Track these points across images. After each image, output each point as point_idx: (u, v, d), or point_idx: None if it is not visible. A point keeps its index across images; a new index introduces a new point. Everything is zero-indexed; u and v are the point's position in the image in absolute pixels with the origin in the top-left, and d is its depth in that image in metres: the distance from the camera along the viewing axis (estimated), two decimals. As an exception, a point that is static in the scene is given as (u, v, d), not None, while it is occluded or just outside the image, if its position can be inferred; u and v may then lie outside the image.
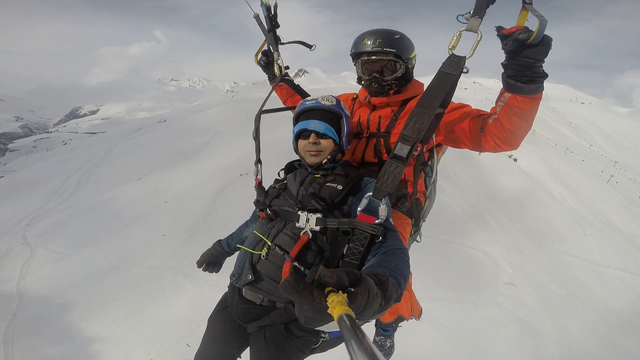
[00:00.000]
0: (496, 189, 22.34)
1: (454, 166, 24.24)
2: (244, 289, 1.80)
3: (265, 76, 2.84)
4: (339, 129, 1.96)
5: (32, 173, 35.32)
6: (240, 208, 15.36)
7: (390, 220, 1.59)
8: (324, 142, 1.91)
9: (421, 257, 13.05)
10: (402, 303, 2.36)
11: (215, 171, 18.91)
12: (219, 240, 2.45)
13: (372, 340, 2.60)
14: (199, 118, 38.31)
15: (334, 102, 1.98)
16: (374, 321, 2.48)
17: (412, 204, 2.17)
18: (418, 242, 2.52)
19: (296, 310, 0.80)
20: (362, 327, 2.00)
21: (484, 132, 1.84)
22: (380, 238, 1.49)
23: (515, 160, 28.42)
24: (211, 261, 2.43)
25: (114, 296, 11.22)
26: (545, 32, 1.39)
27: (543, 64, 1.49)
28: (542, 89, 1.56)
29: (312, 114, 1.94)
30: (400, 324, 2.68)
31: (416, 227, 2.30)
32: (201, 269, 2.45)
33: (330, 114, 1.95)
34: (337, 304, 0.69)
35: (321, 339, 1.84)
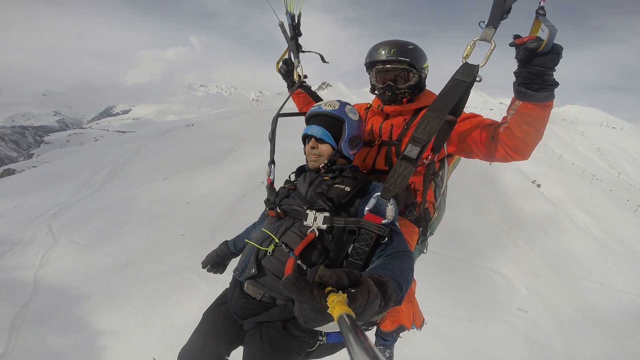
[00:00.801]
0: (517, 213, 21.96)
1: (476, 189, 24.12)
2: (245, 284, 1.79)
3: None
4: (340, 133, 1.98)
5: (64, 165, 36.52)
6: (259, 214, 15.20)
7: (397, 223, 1.59)
8: (322, 146, 1.94)
9: (436, 276, 13.03)
10: (404, 312, 2.35)
11: (238, 177, 19.09)
12: (226, 241, 2.46)
13: None
14: (225, 124, 39.13)
15: (336, 107, 2.00)
16: (374, 330, 2.51)
17: (420, 213, 2.17)
18: (424, 253, 2.50)
19: (295, 309, 0.80)
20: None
21: (495, 140, 1.84)
22: (386, 239, 1.49)
23: (538, 185, 27.82)
24: (216, 262, 2.44)
25: (128, 291, 11.24)
26: (557, 42, 1.42)
27: (554, 72, 1.51)
28: (553, 97, 1.57)
29: (314, 120, 1.99)
30: (401, 335, 2.64)
31: (424, 237, 2.30)
32: (206, 269, 2.46)
33: (330, 118, 1.97)
34: (337, 304, 0.69)
35: (318, 342, 1.81)
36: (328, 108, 1.98)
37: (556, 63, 1.47)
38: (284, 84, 2.85)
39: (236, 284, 1.87)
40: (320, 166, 1.95)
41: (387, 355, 2.78)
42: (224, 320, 1.89)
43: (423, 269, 12.90)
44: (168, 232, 14.50)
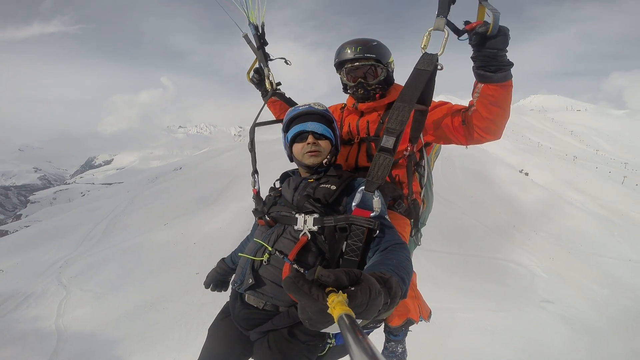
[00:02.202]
0: (514, 203, 22.41)
1: (470, 187, 24.58)
2: (246, 295, 1.78)
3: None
4: (333, 131, 2.02)
5: (59, 222, 36.26)
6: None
7: (387, 217, 1.64)
8: (322, 142, 1.95)
9: (454, 275, 13.26)
10: (409, 305, 2.33)
11: (240, 212, 19.36)
12: (223, 259, 2.43)
13: (383, 347, 2.74)
14: (213, 164, 38.99)
15: (325, 108, 2.04)
16: (382, 327, 2.45)
17: (409, 205, 2.18)
18: (419, 245, 2.50)
19: (299, 312, 0.80)
20: (372, 334, 2.25)
21: (467, 124, 1.93)
22: (378, 233, 1.51)
23: (526, 174, 28.55)
24: (218, 280, 2.42)
25: (155, 332, 11.45)
26: (503, 24, 1.54)
27: (506, 53, 1.61)
28: (510, 76, 1.65)
29: (307, 118, 1.97)
30: (410, 328, 2.60)
31: (416, 228, 2.29)
32: (209, 289, 2.43)
33: (323, 117, 1.99)
34: (337, 304, 0.69)
35: (328, 345, 1.78)
36: (319, 108, 2.00)
37: (506, 44, 1.56)
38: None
39: (236, 295, 1.86)
40: (324, 162, 1.95)
41: (400, 350, 2.73)
42: (230, 333, 1.88)
43: (442, 269, 13.27)
44: (180, 273, 14.74)
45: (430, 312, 2.59)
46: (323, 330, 0.81)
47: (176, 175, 43.74)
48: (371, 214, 1.54)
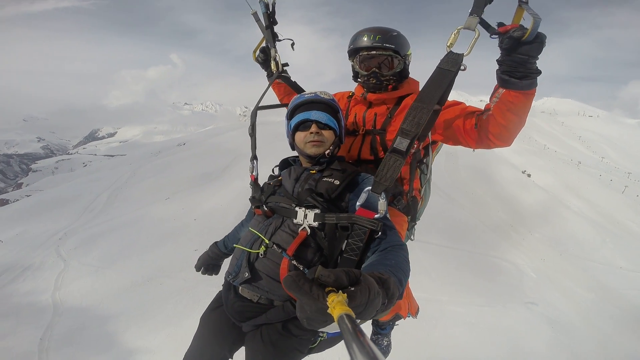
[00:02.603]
0: (514, 203, 22.59)
1: (471, 184, 24.81)
2: (240, 287, 1.73)
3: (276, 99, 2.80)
4: (338, 122, 1.95)
5: (60, 192, 36.27)
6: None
7: (388, 216, 1.58)
8: (325, 132, 1.87)
9: (449, 268, 13.57)
10: (400, 302, 2.30)
11: (242, 191, 19.27)
12: (216, 242, 2.38)
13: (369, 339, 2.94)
14: (217, 141, 39.20)
15: (329, 96, 1.96)
16: (370, 320, 2.40)
17: (408, 202, 2.14)
18: (412, 240, 2.44)
19: (297, 311, 0.79)
20: (361, 326, 2.22)
21: (479, 128, 1.84)
22: (380, 234, 1.47)
23: (529, 175, 28.60)
24: (209, 264, 2.36)
25: (151, 307, 11.44)
26: (540, 31, 1.44)
27: (537, 61, 1.53)
28: (536, 84, 1.57)
29: (312, 106, 1.90)
30: (397, 322, 2.61)
31: (413, 223, 2.27)
32: (200, 272, 2.38)
33: (329, 107, 1.92)
34: (337, 304, 0.68)
35: (319, 339, 1.78)
36: (325, 97, 1.93)
37: (540, 51, 1.48)
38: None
39: (229, 287, 1.81)
40: (326, 153, 1.88)
41: (385, 343, 2.74)
42: (223, 323, 1.85)
43: (436, 262, 13.35)
44: (179, 248, 14.69)
45: (418, 308, 2.56)
46: (321, 330, 0.81)
47: (179, 151, 43.65)
48: (375, 216, 1.47)
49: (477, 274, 13.30)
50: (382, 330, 2.67)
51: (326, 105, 1.91)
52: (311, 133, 1.84)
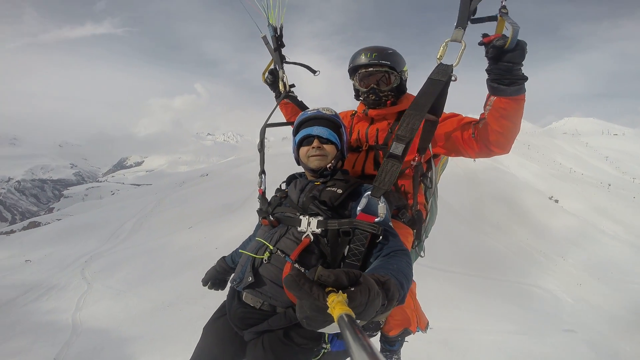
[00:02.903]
0: (542, 229, 22.06)
1: (496, 211, 24.48)
2: (244, 293, 1.74)
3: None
4: (340, 137, 2.00)
5: (89, 218, 37.54)
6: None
7: (391, 224, 1.62)
8: (327, 147, 1.93)
9: (477, 296, 13.22)
10: (407, 315, 2.28)
11: None
12: (224, 257, 2.39)
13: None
14: (238, 172, 40.04)
15: (334, 113, 2.03)
16: (378, 336, 2.43)
17: (413, 215, 2.15)
18: (422, 257, 2.44)
19: (297, 311, 0.79)
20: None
21: (476, 136, 1.90)
22: (381, 239, 1.49)
23: (556, 201, 27.90)
24: (216, 278, 2.37)
25: (169, 333, 11.46)
26: (522, 40, 1.53)
27: (522, 67, 1.59)
28: (524, 90, 1.65)
29: (314, 122, 1.97)
30: (406, 339, 2.56)
31: (418, 239, 2.26)
32: (206, 287, 2.40)
33: (331, 122, 1.98)
34: (337, 304, 0.69)
35: (322, 350, 1.73)
36: (327, 112, 1.99)
37: (523, 58, 1.55)
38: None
39: (234, 294, 1.82)
40: (328, 166, 1.93)
41: None
42: (225, 333, 1.84)
43: (463, 291, 13.16)
44: (200, 276, 14.77)
45: (428, 323, 2.50)
46: (320, 331, 0.81)
47: (203, 181, 44.79)
48: (375, 220, 1.51)
49: (508, 302, 12.93)
50: (391, 347, 2.58)
51: (328, 120, 1.98)
52: (313, 147, 1.92)
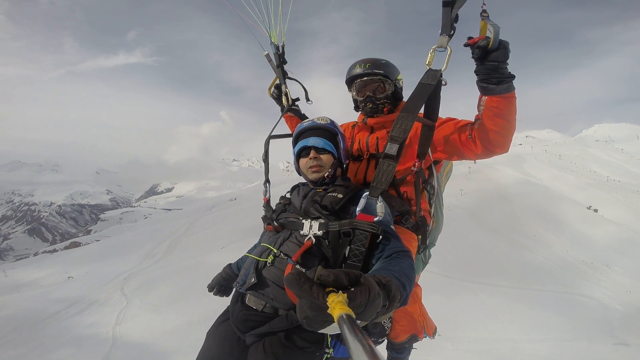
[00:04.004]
0: (583, 240, 21.45)
1: (531, 224, 23.94)
2: (247, 296, 1.71)
3: None
4: (336, 145, 1.99)
5: (125, 239, 38.78)
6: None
7: (392, 226, 1.62)
8: (323, 157, 1.92)
9: (515, 306, 13.04)
10: (414, 321, 2.23)
11: None
12: (229, 264, 2.33)
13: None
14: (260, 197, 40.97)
15: (329, 121, 2.02)
16: (385, 343, 2.33)
17: (417, 221, 2.11)
18: (427, 263, 2.40)
19: (297, 311, 0.78)
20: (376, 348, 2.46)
21: (473, 138, 1.88)
22: (382, 240, 1.48)
23: (595, 210, 26.95)
24: (222, 285, 2.30)
25: None
26: (504, 40, 1.55)
27: (507, 66, 1.61)
28: (513, 88, 1.65)
29: (310, 133, 1.98)
30: (414, 346, 2.48)
31: (424, 245, 2.21)
32: (212, 292, 2.34)
33: (326, 131, 1.99)
34: (337, 304, 0.67)
35: (325, 355, 1.69)
36: (322, 122, 1.99)
37: (507, 56, 1.58)
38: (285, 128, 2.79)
39: (237, 297, 1.79)
40: (325, 175, 1.92)
41: None
42: (227, 338, 1.79)
43: (504, 303, 13.10)
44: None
45: (436, 328, 2.43)
46: (321, 332, 0.78)
47: (231, 205, 45.66)
48: (375, 219, 1.50)
49: (551, 312, 12.68)
50: (398, 355, 2.47)
51: (323, 130, 1.98)
52: (310, 159, 1.90)
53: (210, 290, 2.26)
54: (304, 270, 1.43)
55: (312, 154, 1.88)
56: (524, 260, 17.42)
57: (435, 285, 13.97)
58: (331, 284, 0.75)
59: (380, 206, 1.49)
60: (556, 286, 15.04)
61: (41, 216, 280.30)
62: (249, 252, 2.07)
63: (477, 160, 2.20)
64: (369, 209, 1.53)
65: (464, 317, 12.23)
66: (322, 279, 0.76)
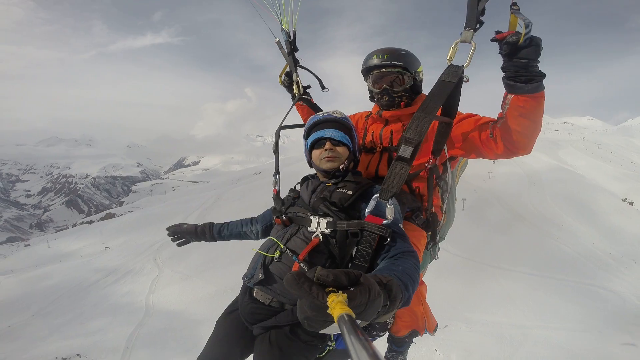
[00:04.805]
0: (613, 232, 20.73)
1: (561, 213, 23.31)
2: (255, 289, 1.73)
3: None
4: (352, 139, 1.95)
5: (157, 210, 39.85)
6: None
7: (400, 225, 1.56)
8: (339, 149, 1.88)
9: (533, 293, 12.95)
10: (415, 317, 2.20)
11: None
12: (212, 223, 2.34)
13: (383, 355, 2.43)
14: (290, 171, 40.95)
15: (344, 115, 1.98)
16: (386, 336, 2.32)
17: (427, 218, 2.07)
18: (436, 259, 2.35)
19: (297, 311, 0.79)
20: (376, 342, 2.01)
21: (494, 136, 1.78)
22: (389, 241, 1.45)
23: (631, 203, 25.94)
24: (188, 238, 2.37)
25: None
26: (536, 36, 1.43)
27: (538, 64, 1.50)
28: (543, 87, 1.54)
29: (325, 125, 1.92)
30: (414, 340, 2.45)
31: (433, 241, 2.17)
32: (168, 232, 2.38)
33: (341, 125, 1.93)
34: (337, 304, 0.67)
35: (327, 348, 1.72)
36: (338, 116, 1.95)
37: (538, 54, 1.47)
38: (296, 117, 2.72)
39: (246, 290, 1.82)
40: (340, 167, 1.88)
41: None
42: (236, 327, 1.83)
43: (522, 289, 12.84)
44: None
45: (437, 325, 2.38)
46: (321, 332, 0.79)
47: (256, 179, 46.20)
48: (383, 222, 1.46)
49: (568, 301, 12.55)
50: (397, 348, 2.47)
51: (339, 123, 1.93)
52: (326, 150, 1.87)
53: (168, 230, 2.30)
54: (307, 269, 1.45)
55: (328, 145, 1.84)
56: (549, 248, 17.03)
57: (455, 268, 13.93)
58: (331, 284, 0.74)
59: (390, 209, 1.44)
60: (577, 276, 14.72)
61: (77, 188, 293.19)
62: (239, 223, 2.20)
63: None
64: (378, 212, 1.49)
65: (481, 301, 11.97)
66: (322, 279, 0.75)
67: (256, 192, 31.31)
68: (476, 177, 22.20)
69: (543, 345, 9.31)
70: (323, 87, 2.60)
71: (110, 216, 63.17)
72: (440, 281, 12.70)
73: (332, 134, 1.87)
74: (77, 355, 15.09)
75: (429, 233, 2.08)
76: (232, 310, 1.90)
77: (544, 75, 1.52)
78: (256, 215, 2.30)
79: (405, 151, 1.45)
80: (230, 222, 2.37)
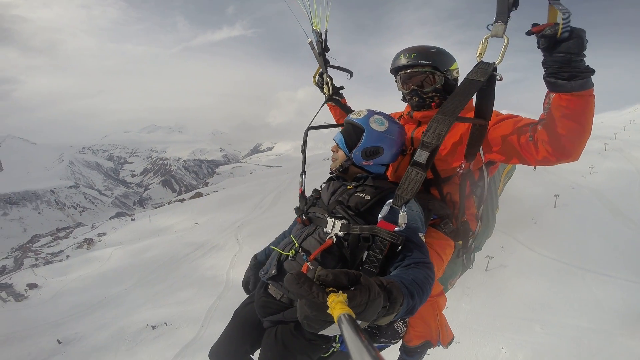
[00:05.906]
0: None
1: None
2: (270, 284, 1.77)
3: None
4: (357, 141, 1.83)
5: (238, 191, 42.48)
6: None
7: (420, 235, 1.49)
8: (339, 152, 1.89)
9: (627, 300, 11.37)
10: (430, 328, 2.08)
11: None
12: (255, 255, 2.32)
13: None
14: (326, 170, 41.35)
15: (361, 116, 1.86)
16: (398, 345, 2.20)
17: (458, 226, 1.93)
18: (470, 268, 2.20)
19: (297, 311, 0.76)
20: (385, 351, 1.91)
21: (534, 140, 1.54)
22: (402, 248, 1.39)
23: None
24: (255, 277, 2.20)
25: None
26: (577, 27, 1.23)
27: (583, 58, 1.28)
28: (591, 85, 1.31)
29: (343, 127, 1.97)
30: (427, 352, 2.33)
31: (465, 249, 2.03)
32: (247, 291, 2.24)
33: (353, 127, 1.86)
34: (337, 304, 0.66)
35: (332, 349, 1.70)
36: (354, 117, 1.87)
37: (582, 47, 1.26)
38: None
39: (262, 283, 1.85)
40: (334, 169, 1.91)
41: None
42: (250, 319, 1.87)
43: (615, 294, 11.56)
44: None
45: (453, 338, 2.21)
46: (321, 333, 0.76)
47: (325, 164, 46.73)
48: (395, 229, 1.38)
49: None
50: (408, 357, 2.32)
51: (350, 125, 1.89)
52: (332, 151, 1.95)
53: (246, 292, 2.19)
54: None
55: (332, 147, 1.92)
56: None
57: (540, 268, 12.64)
58: (330, 284, 0.73)
59: (402, 216, 1.36)
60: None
61: (171, 169, 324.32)
62: (274, 242, 2.14)
63: (536, 167, 1.82)
64: (390, 218, 1.41)
65: (563, 304, 10.92)
66: (322, 279, 0.74)
67: (326, 175, 31.81)
68: (574, 172, 19.61)
69: (626, 354, 8.28)
70: (349, 73, 2.56)
71: (199, 195, 68.98)
72: (521, 281, 11.59)
73: (336, 137, 1.92)
74: (164, 323, 16.62)
75: (459, 242, 1.96)
76: (248, 303, 1.96)
77: (592, 72, 1.30)
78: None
79: (421, 156, 1.35)
80: (270, 242, 2.29)
